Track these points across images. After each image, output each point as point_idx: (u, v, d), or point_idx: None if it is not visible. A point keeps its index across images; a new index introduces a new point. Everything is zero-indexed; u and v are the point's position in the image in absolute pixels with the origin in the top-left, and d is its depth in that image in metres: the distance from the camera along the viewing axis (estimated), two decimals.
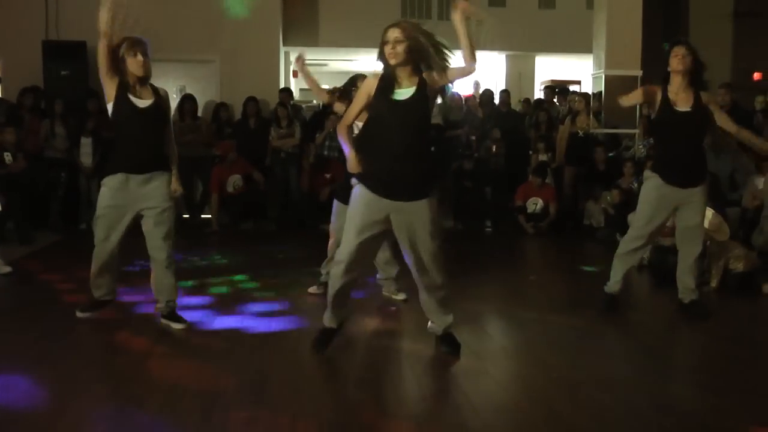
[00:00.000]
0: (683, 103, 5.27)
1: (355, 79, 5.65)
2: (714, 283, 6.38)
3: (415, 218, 4.21)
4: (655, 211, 5.43)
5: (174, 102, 10.68)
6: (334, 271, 4.33)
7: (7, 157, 8.69)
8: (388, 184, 4.16)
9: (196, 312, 5.54)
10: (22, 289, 6.44)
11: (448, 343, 4.52)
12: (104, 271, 5.04)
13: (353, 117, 4.37)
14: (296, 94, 15.66)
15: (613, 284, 5.64)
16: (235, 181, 9.93)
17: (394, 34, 4.09)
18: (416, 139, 4.20)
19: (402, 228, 4.25)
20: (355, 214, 4.22)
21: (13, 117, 9.37)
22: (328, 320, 4.52)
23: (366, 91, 4.26)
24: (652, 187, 5.44)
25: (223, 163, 10.05)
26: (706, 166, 5.55)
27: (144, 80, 4.89)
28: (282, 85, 12.67)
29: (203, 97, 11.27)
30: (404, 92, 4.17)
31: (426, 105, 4.21)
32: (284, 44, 12.97)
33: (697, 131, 5.38)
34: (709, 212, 6.48)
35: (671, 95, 5.30)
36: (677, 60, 5.26)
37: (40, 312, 5.42)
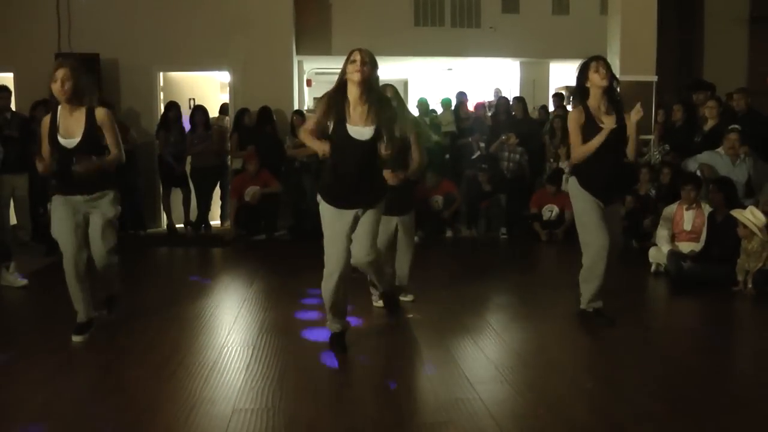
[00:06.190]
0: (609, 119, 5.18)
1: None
2: (750, 284, 6.30)
3: None
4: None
5: (187, 113, 10.72)
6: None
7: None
8: None
9: (213, 322, 5.56)
10: (38, 302, 6.46)
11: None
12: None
13: None
14: (310, 104, 15.68)
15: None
16: (254, 192, 9.90)
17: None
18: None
19: None
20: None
21: (26, 130, 9.42)
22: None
23: None
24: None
25: (245, 172, 10.05)
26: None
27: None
28: (296, 94, 12.67)
29: (216, 107, 11.28)
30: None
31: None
32: (297, 53, 12.99)
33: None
34: (756, 210, 6.36)
35: (593, 111, 5.27)
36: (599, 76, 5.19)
37: (56, 324, 5.42)
